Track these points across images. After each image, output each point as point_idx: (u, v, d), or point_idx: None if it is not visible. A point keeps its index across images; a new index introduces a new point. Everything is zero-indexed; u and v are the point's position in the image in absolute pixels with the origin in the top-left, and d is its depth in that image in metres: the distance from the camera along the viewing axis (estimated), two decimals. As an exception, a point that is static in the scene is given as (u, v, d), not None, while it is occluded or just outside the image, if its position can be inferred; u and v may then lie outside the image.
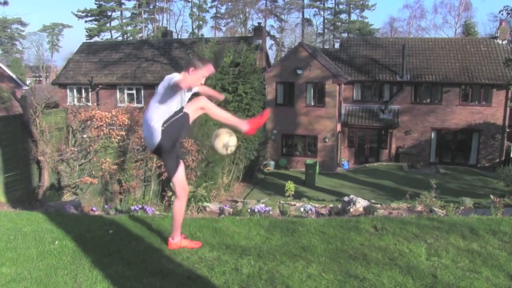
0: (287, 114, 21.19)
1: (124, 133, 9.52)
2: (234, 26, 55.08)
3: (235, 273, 3.10)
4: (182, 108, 3.28)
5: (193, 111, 3.33)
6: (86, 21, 54.95)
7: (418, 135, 22.36)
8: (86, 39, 51.02)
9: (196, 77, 3.21)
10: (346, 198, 5.79)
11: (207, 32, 71.40)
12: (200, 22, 56.97)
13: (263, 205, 5.18)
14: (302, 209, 5.36)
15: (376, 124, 22.21)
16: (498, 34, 23.28)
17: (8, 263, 3.34)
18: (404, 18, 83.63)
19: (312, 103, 21.01)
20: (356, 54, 24.04)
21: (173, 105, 3.20)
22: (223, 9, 56.23)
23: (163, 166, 9.22)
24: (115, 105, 18.98)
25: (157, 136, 3.17)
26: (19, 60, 53.57)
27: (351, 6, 52.61)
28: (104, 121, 9.02)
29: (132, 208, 5.22)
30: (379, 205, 6.80)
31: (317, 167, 18.12)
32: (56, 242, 3.75)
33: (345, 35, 50.13)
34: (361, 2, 51.85)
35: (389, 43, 24.98)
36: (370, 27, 52.07)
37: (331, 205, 6.67)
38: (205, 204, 5.85)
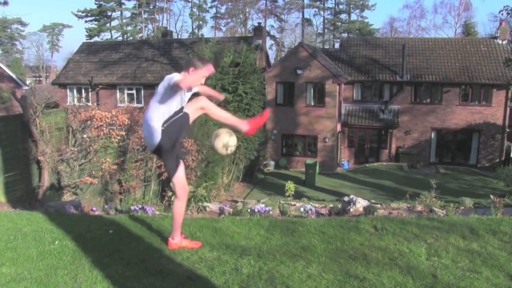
0: (287, 114, 21.19)
1: (124, 133, 9.52)
2: (234, 26, 55.10)
3: (235, 273, 3.10)
4: (182, 108, 3.28)
5: (193, 111, 3.33)
6: (86, 21, 55.01)
7: (418, 135, 22.37)
8: (86, 39, 51.04)
9: (196, 77, 3.22)
10: (346, 198, 5.79)
11: (207, 32, 71.50)
12: (200, 22, 56.99)
13: (263, 205, 5.18)
14: (302, 209, 5.36)
15: (376, 124, 22.21)
16: (498, 34, 23.28)
17: (8, 263, 3.34)
18: (404, 18, 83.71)
19: (312, 103, 21.01)
20: (356, 54, 24.04)
21: (173, 105, 3.20)
22: (223, 9, 56.31)
23: (163, 166, 9.22)
24: (115, 105, 18.97)
25: (157, 136, 3.17)
26: (19, 60, 53.58)
27: (351, 6, 52.61)
28: (104, 121, 9.02)
29: (132, 208, 5.22)
30: (379, 205, 6.80)
31: (317, 167, 18.12)
32: (56, 242, 3.75)
33: (345, 35, 50.13)
34: (361, 2, 51.85)
35: (389, 43, 24.98)
36: (370, 27, 52.07)
37: (331, 205, 6.67)
38: (205, 204, 5.85)
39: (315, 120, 20.88)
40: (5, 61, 46.16)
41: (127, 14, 56.40)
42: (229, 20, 56.66)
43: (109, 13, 55.06)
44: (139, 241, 3.82)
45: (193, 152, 10.19)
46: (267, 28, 50.65)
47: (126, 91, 24.35)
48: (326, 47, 49.59)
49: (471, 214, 4.78)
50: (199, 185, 8.56)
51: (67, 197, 8.35)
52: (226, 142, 3.35)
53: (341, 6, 53.54)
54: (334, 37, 55.09)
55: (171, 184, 5.05)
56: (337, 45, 42.86)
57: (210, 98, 3.51)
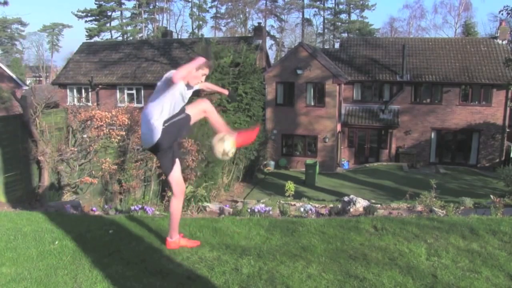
0: (287, 114, 21.19)
1: (124, 133, 9.52)
2: (234, 26, 55.10)
3: (235, 273, 3.10)
4: (184, 108, 3.27)
5: (196, 113, 3.31)
6: (86, 21, 55.04)
7: (418, 135, 22.37)
8: (86, 39, 51.04)
9: (188, 69, 3.11)
10: (346, 198, 5.79)
11: (207, 32, 71.47)
12: (200, 22, 56.99)
13: (263, 205, 5.18)
14: (302, 209, 5.36)
15: (376, 124, 22.21)
16: (498, 34, 23.28)
17: (8, 263, 3.34)
18: (404, 18, 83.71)
19: (312, 103, 21.01)
20: (356, 54, 24.04)
21: (172, 102, 3.18)
22: (223, 9, 56.32)
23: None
24: (115, 105, 18.96)
25: (157, 134, 3.15)
26: (19, 60, 53.58)
27: (351, 6, 52.61)
28: (104, 121, 9.02)
29: (132, 208, 5.22)
30: (379, 205, 6.80)
31: (317, 167, 18.12)
32: (56, 242, 3.75)
33: (345, 35, 50.13)
34: (361, 2, 51.85)
35: (389, 43, 24.98)
36: (370, 27, 52.07)
37: (331, 205, 6.67)
38: (205, 204, 5.85)
39: (315, 120, 20.88)
40: (5, 61, 46.17)
41: (127, 14, 56.48)
42: (229, 20, 56.70)
43: (109, 13, 55.07)
44: (139, 241, 3.82)
45: (193, 152, 10.19)
46: (267, 28, 50.67)
47: (126, 91, 24.36)
48: (326, 47, 49.60)
49: (471, 214, 4.78)
50: (199, 185, 8.56)
51: (67, 197, 8.35)
52: (227, 150, 3.35)
53: (341, 6, 53.55)
54: (334, 37, 55.10)
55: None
56: (337, 45, 42.88)
57: (210, 100, 3.49)
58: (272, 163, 20.99)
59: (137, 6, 54.85)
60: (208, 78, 3.55)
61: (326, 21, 55.11)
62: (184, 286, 2.94)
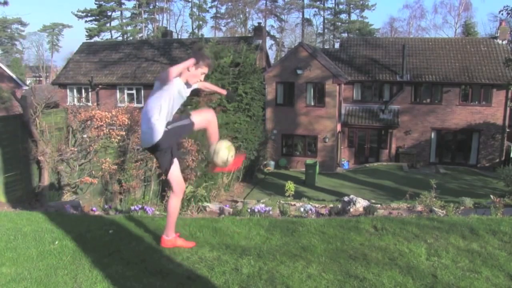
0: (287, 114, 21.19)
1: (124, 133, 9.52)
2: (234, 26, 55.11)
3: (235, 273, 3.10)
4: (189, 114, 3.28)
5: (200, 121, 3.31)
6: (86, 21, 55.07)
7: (418, 135, 22.37)
8: (86, 39, 51.06)
9: (179, 69, 3.09)
10: (346, 198, 5.79)
11: (207, 32, 71.50)
12: (200, 22, 57.00)
13: (263, 205, 5.18)
14: (302, 209, 5.36)
15: (376, 124, 22.21)
16: (498, 34, 23.29)
17: (8, 263, 3.34)
18: (404, 18, 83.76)
19: (312, 103, 21.01)
20: (356, 54, 24.04)
21: (170, 101, 3.18)
22: (223, 9, 56.33)
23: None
24: (115, 105, 18.96)
25: (157, 135, 3.15)
26: (19, 60, 53.59)
27: (351, 6, 52.62)
28: (104, 121, 9.02)
29: (132, 208, 5.22)
30: (379, 205, 6.80)
31: (317, 167, 18.12)
32: (56, 242, 3.75)
33: (345, 35, 50.14)
34: (361, 2, 51.86)
35: (389, 43, 24.99)
36: (370, 27, 52.08)
37: (331, 205, 6.67)
38: (205, 204, 5.86)
39: (315, 120, 20.88)
40: (5, 61, 46.18)
41: (127, 14, 56.50)
42: (229, 20, 56.71)
43: (109, 13, 55.08)
44: (139, 241, 3.82)
45: (193, 152, 10.19)
46: (267, 28, 50.68)
47: (126, 91, 24.37)
48: (326, 47, 49.61)
49: (471, 214, 4.78)
50: (199, 185, 8.57)
51: (67, 197, 8.35)
52: (225, 159, 3.36)
53: (341, 6, 53.56)
54: (334, 37, 55.11)
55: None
56: (337, 45, 42.88)
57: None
58: (272, 163, 20.99)
59: (137, 6, 54.86)
60: (208, 78, 3.57)
61: (326, 21, 55.12)
62: (184, 286, 2.94)
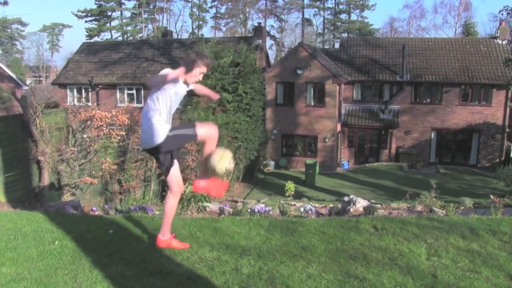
0: (287, 114, 21.19)
1: (124, 133, 9.52)
2: (234, 26, 55.11)
3: (235, 273, 3.10)
4: (194, 124, 3.30)
5: (203, 135, 3.31)
6: (86, 21, 55.06)
7: (418, 135, 22.37)
8: (86, 39, 51.05)
9: (173, 76, 3.07)
10: (346, 198, 5.79)
11: (207, 32, 71.46)
12: (200, 22, 57.00)
13: (263, 205, 5.18)
14: (302, 209, 5.36)
15: (376, 124, 22.21)
16: (498, 34, 23.28)
17: (8, 263, 3.34)
18: (404, 18, 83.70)
19: (312, 103, 21.01)
20: (356, 54, 24.04)
21: (168, 103, 3.18)
22: (223, 9, 56.32)
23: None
24: (115, 105, 18.96)
25: (158, 137, 3.15)
26: (19, 60, 53.59)
27: (351, 6, 52.61)
28: (104, 121, 9.02)
29: (132, 208, 5.22)
30: (379, 205, 6.80)
31: (317, 167, 18.12)
32: (56, 242, 3.75)
33: (345, 35, 50.14)
34: (361, 2, 51.86)
35: (389, 43, 24.98)
36: (370, 27, 52.08)
37: (331, 205, 6.66)
38: (205, 204, 5.85)
39: (315, 120, 20.88)
40: (5, 61, 46.17)
41: (127, 14, 56.49)
42: (229, 20, 56.70)
43: (109, 13, 55.08)
44: (139, 241, 3.82)
45: (193, 152, 10.19)
46: (267, 28, 50.68)
47: (126, 91, 24.36)
48: (326, 47, 49.60)
49: (471, 214, 4.78)
50: (199, 185, 8.52)
51: (67, 197, 8.35)
52: (227, 167, 3.39)
53: (341, 6, 53.56)
54: (334, 37, 55.11)
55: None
56: (337, 45, 42.87)
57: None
58: (272, 163, 20.99)
59: (137, 6, 54.86)
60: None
61: (326, 21, 55.12)
62: (184, 286, 2.94)
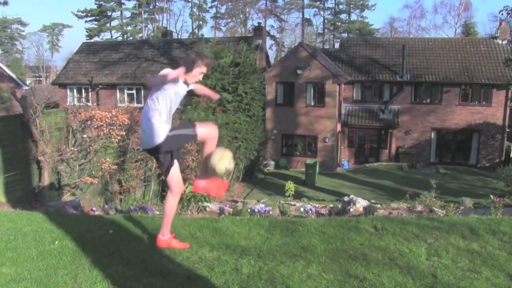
0: (287, 114, 21.19)
1: (124, 133, 9.52)
2: (234, 26, 55.11)
3: (235, 273, 3.10)
4: (194, 124, 3.30)
5: (203, 135, 3.31)
6: (86, 21, 55.06)
7: (418, 135, 22.37)
8: (86, 39, 51.05)
9: (180, 70, 3.13)
10: (346, 198, 5.79)
11: (207, 32, 71.47)
12: (200, 22, 57.00)
13: (263, 205, 5.18)
14: (302, 209, 5.36)
15: (376, 124, 22.21)
16: (498, 34, 23.28)
17: (8, 263, 3.34)
18: (404, 18, 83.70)
19: (312, 103, 21.01)
20: (356, 54, 24.04)
21: (168, 103, 3.18)
22: (223, 9, 56.33)
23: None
24: (115, 105, 18.95)
25: (158, 137, 3.14)
26: (19, 60, 53.58)
27: (351, 6, 52.62)
28: (104, 121, 9.02)
29: (132, 208, 5.22)
30: (379, 205, 6.80)
31: (317, 167, 18.12)
32: (56, 242, 3.75)
33: (345, 35, 50.14)
34: (361, 2, 51.86)
35: (389, 43, 24.99)
36: (370, 27, 52.08)
37: (331, 205, 6.66)
38: (205, 204, 5.85)
39: (315, 120, 20.88)
40: (5, 61, 46.17)
41: (127, 14, 56.49)
42: (229, 20, 56.70)
43: (109, 13, 55.08)
44: (139, 241, 3.82)
45: (193, 152, 10.19)
46: (267, 28, 50.68)
47: (126, 91, 24.36)
48: (326, 47, 49.60)
49: (471, 214, 4.78)
50: (199, 185, 8.51)
51: (67, 197, 8.35)
52: (228, 168, 3.39)
53: (341, 6, 53.56)
54: (334, 37, 55.11)
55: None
56: (337, 45, 42.87)
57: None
58: (272, 163, 20.99)
59: (137, 6, 54.86)
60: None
61: (326, 21, 55.11)
62: (184, 286, 2.94)
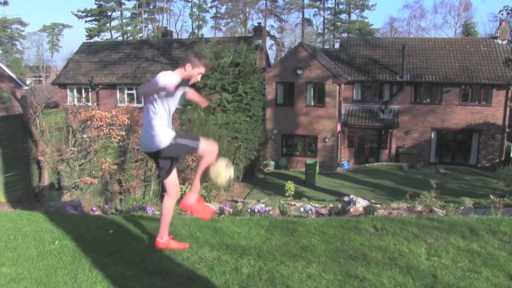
0: (287, 114, 21.19)
1: (124, 133, 9.52)
2: (234, 26, 55.10)
3: (235, 273, 3.10)
4: (198, 137, 3.31)
5: (204, 150, 3.31)
6: (86, 21, 55.06)
7: (418, 135, 22.37)
8: (86, 39, 51.05)
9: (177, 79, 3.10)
10: (346, 198, 5.79)
11: (207, 32, 71.49)
12: (200, 22, 56.99)
13: (263, 205, 5.18)
14: (302, 209, 5.36)
15: (376, 124, 22.21)
16: (498, 34, 23.28)
17: (8, 263, 3.34)
18: (404, 18, 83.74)
19: (312, 103, 21.01)
20: (356, 54, 24.04)
21: (166, 107, 3.16)
22: (223, 9, 56.32)
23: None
24: (115, 105, 18.97)
25: (159, 142, 3.13)
26: (19, 60, 53.58)
27: (351, 6, 52.61)
28: (104, 121, 9.02)
29: (132, 208, 5.21)
30: (379, 205, 6.80)
31: (317, 167, 18.11)
32: (56, 242, 3.75)
33: (345, 35, 50.14)
34: (361, 2, 51.86)
35: (389, 43, 24.98)
36: (370, 27, 52.07)
37: (331, 205, 6.66)
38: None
39: (315, 120, 20.88)
40: (5, 61, 46.17)
41: (127, 14, 56.49)
42: (229, 20, 56.70)
43: (109, 13, 55.07)
44: (139, 241, 3.82)
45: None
46: (267, 28, 50.67)
47: (126, 91, 24.36)
48: (326, 47, 49.60)
49: (471, 214, 4.78)
50: (199, 185, 8.52)
51: (67, 197, 8.35)
52: (228, 177, 3.41)
53: (341, 6, 53.56)
54: (334, 37, 55.10)
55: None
56: (337, 45, 42.87)
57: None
58: (272, 163, 20.99)
59: (137, 6, 54.86)
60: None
61: (326, 21, 55.11)
62: (184, 286, 2.94)
